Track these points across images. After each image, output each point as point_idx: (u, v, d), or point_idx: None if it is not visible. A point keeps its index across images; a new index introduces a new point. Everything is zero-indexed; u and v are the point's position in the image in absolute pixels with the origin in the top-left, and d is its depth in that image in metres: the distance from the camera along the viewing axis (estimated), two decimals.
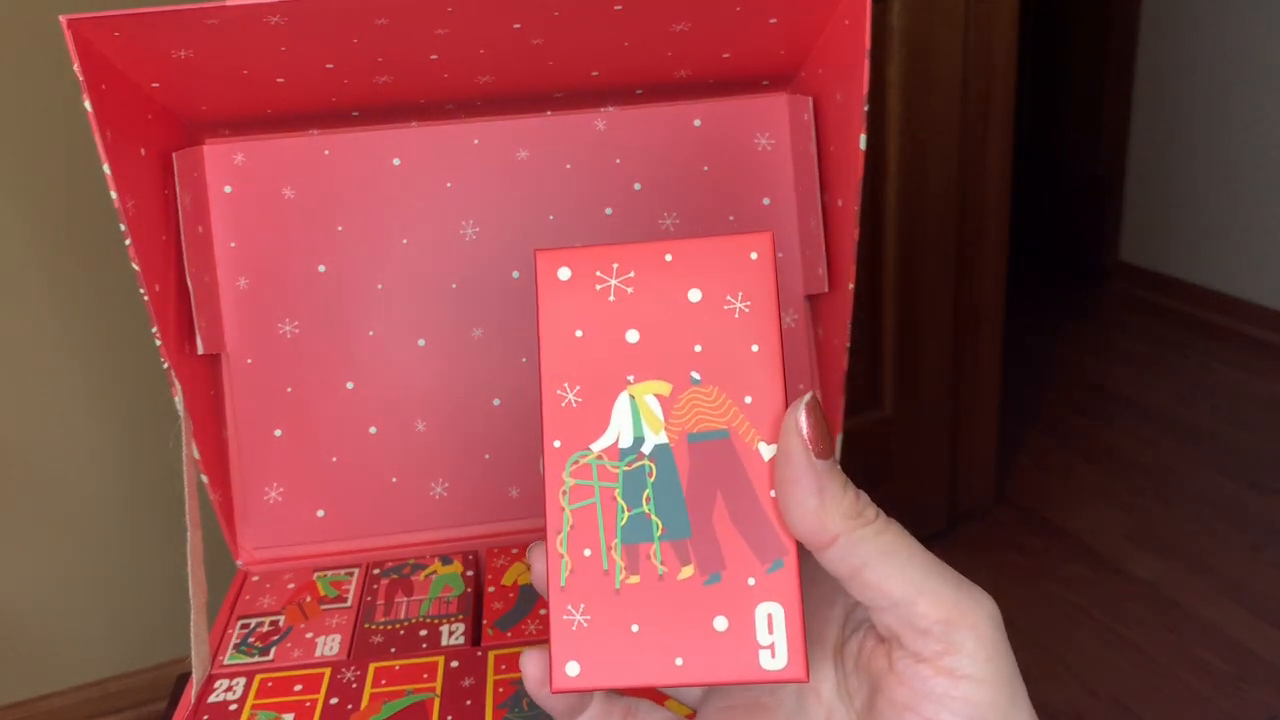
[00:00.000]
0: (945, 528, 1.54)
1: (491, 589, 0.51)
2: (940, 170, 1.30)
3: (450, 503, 0.56)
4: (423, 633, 0.49)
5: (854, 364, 0.52)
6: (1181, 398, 1.91)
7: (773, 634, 0.27)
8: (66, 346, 1.06)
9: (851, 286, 0.51)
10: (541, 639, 0.48)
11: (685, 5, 0.45)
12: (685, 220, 0.56)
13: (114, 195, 0.43)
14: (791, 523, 0.27)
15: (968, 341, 1.44)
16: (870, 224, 1.25)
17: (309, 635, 0.49)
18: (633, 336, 0.29)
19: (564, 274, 0.29)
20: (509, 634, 0.48)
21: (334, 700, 0.44)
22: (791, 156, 0.56)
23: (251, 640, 0.49)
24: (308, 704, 0.44)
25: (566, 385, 0.29)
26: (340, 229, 0.54)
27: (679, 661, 0.27)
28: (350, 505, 0.55)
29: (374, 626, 0.49)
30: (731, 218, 0.56)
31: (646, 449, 0.29)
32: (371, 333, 0.55)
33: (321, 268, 0.55)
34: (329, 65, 0.46)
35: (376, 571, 0.53)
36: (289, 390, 0.55)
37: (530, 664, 0.29)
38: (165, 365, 0.48)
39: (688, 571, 0.28)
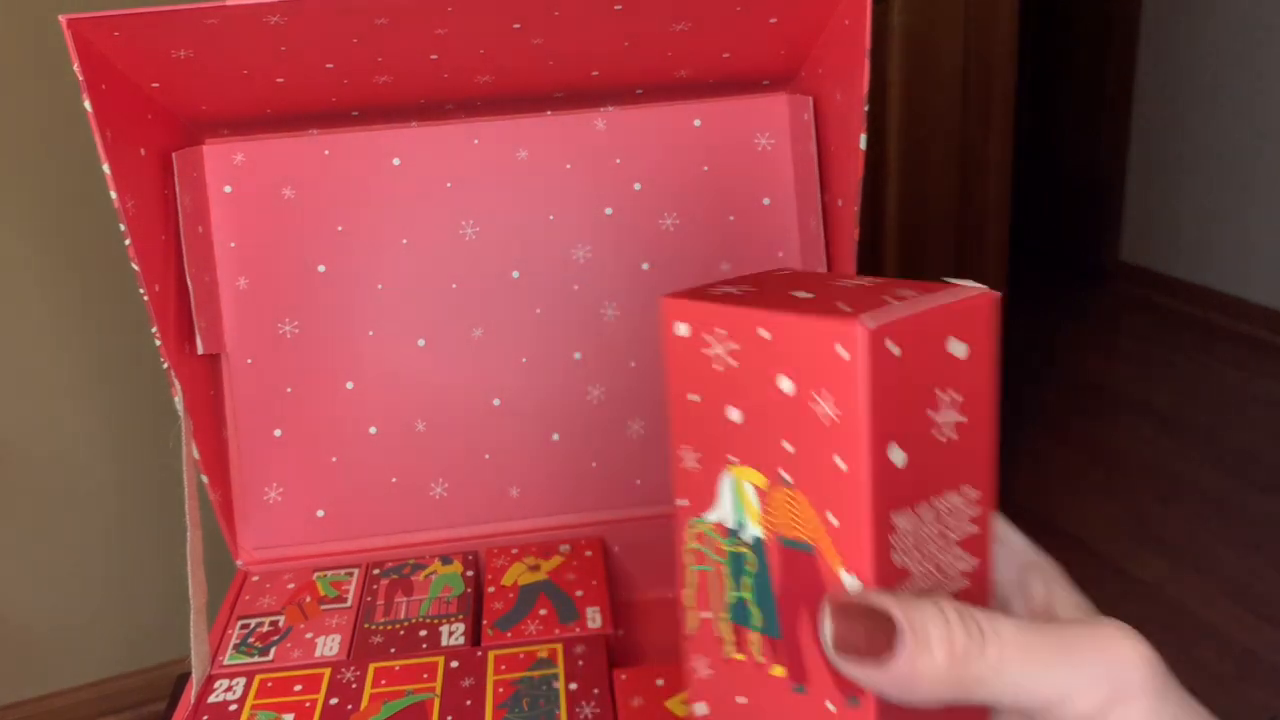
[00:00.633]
0: None
1: (491, 589, 0.51)
2: (940, 170, 1.30)
3: (450, 503, 0.56)
4: (422, 633, 0.48)
5: None
6: (1182, 397, 1.91)
7: None
8: (67, 347, 1.06)
9: None
10: (538, 639, 0.48)
11: (685, 5, 0.45)
12: (685, 220, 0.56)
13: (114, 195, 0.43)
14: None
15: None
16: (870, 224, 1.25)
17: (309, 635, 0.49)
18: (734, 415, 0.26)
19: (681, 330, 0.27)
20: (509, 634, 0.48)
21: (334, 700, 0.44)
22: (791, 156, 0.56)
23: (251, 640, 0.49)
24: (307, 704, 0.44)
25: (687, 448, 0.27)
26: (340, 229, 0.54)
27: None
28: (350, 505, 0.55)
29: (374, 627, 0.49)
30: (731, 218, 0.56)
31: (747, 537, 0.26)
32: (371, 333, 0.55)
33: (321, 268, 0.54)
34: (329, 65, 0.46)
35: (376, 572, 0.53)
36: (289, 390, 0.54)
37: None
38: (165, 365, 0.48)
39: (779, 671, 0.26)
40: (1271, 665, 1.24)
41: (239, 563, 0.54)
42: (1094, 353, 2.14)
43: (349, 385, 0.55)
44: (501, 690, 0.44)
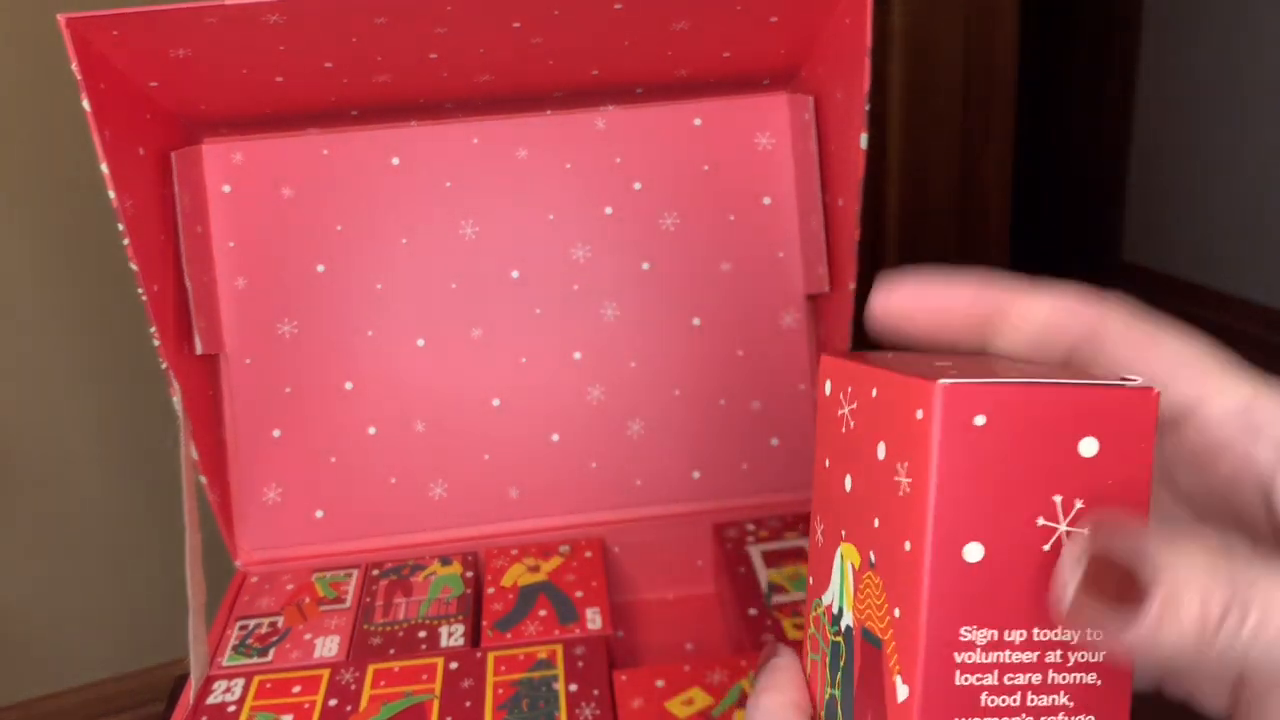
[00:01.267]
0: None
1: (491, 590, 0.51)
2: (941, 169, 1.30)
3: (449, 503, 0.56)
4: (422, 634, 0.48)
5: None
6: None
7: None
8: (65, 347, 1.06)
9: (852, 286, 0.51)
10: (537, 640, 0.47)
11: (685, 4, 0.45)
12: (685, 220, 0.56)
13: (112, 195, 0.43)
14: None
15: None
16: (871, 224, 1.25)
17: (308, 636, 0.49)
18: (847, 483, 0.23)
19: (827, 389, 0.25)
20: (508, 635, 0.48)
21: (333, 702, 0.44)
22: (792, 156, 0.56)
23: (250, 641, 0.49)
24: (306, 705, 0.44)
25: (818, 519, 0.25)
26: (339, 228, 0.54)
27: None
28: (349, 506, 0.55)
29: (373, 628, 0.49)
30: (731, 217, 0.56)
31: (843, 626, 0.24)
32: (370, 333, 0.55)
33: (320, 267, 0.54)
34: (328, 64, 0.46)
35: (375, 572, 0.53)
36: (288, 390, 0.54)
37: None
38: (164, 365, 0.48)
39: None
40: None
41: (238, 563, 0.54)
42: None
43: (348, 385, 0.55)
44: (501, 691, 0.44)
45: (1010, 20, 1.28)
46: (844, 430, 0.24)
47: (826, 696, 0.25)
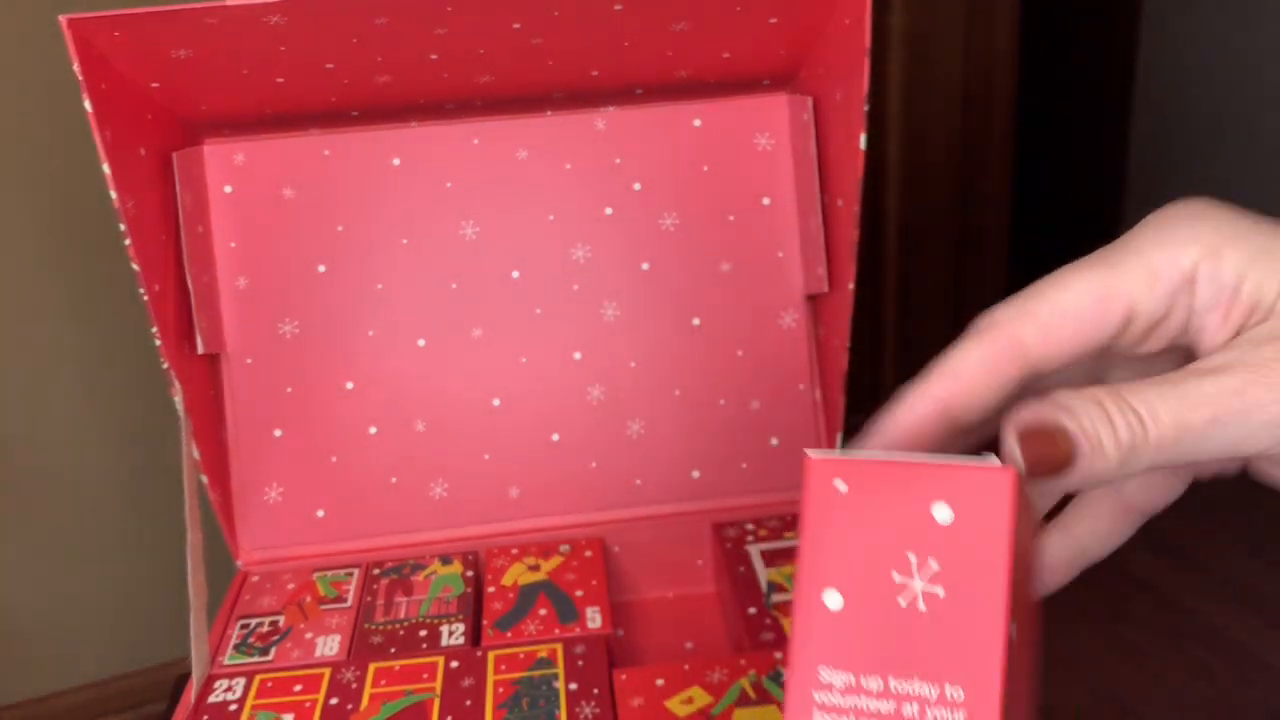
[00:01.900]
0: None
1: (491, 589, 0.51)
2: (940, 170, 1.30)
3: (450, 503, 0.56)
4: (422, 633, 0.48)
5: (854, 364, 0.52)
6: None
7: None
8: (66, 346, 1.06)
9: (852, 286, 0.51)
10: (538, 639, 0.48)
11: (685, 5, 0.45)
12: (685, 220, 0.56)
13: (114, 195, 0.43)
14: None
15: None
16: (870, 224, 1.25)
17: (309, 635, 0.49)
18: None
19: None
20: (509, 634, 0.48)
21: (334, 700, 0.44)
22: (791, 156, 0.56)
23: (251, 640, 0.49)
24: (307, 704, 0.44)
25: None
26: (340, 229, 0.54)
27: None
28: (350, 505, 0.55)
29: (373, 627, 0.49)
30: (731, 218, 0.56)
31: None
32: (371, 333, 0.55)
33: (321, 268, 0.54)
34: (329, 65, 0.46)
35: (376, 572, 0.53)
36: (289, 390, 0.54)
37: None
38: (165, 365, 0.48)
39: None
40: (1271, 665, 1.24)
41: (238, 563, 0.54)
42: None
43: (349, 385, 0.55)
44: (501, 690, 0.44)
45: (1010, 20, 1.28)
46: None
47: None
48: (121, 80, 0.44)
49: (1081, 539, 0.31)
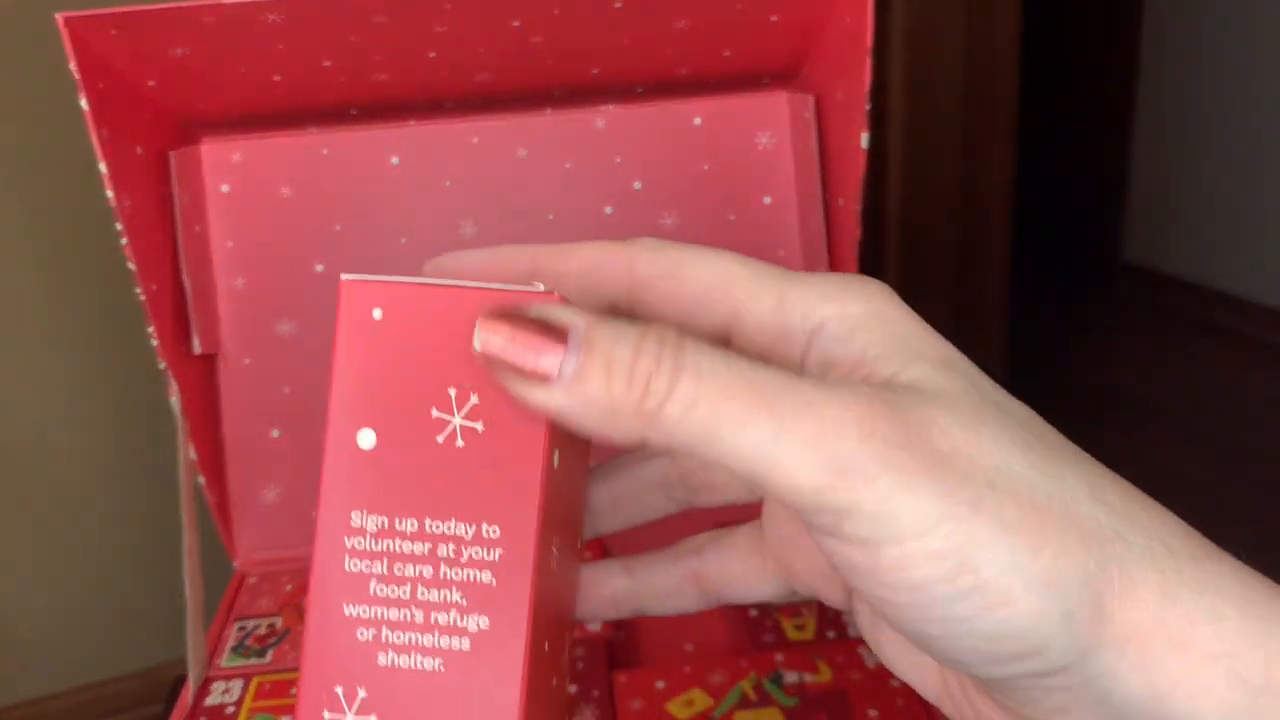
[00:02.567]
0: None
1: None
2: (942, 170, 1.30)
3: None
4: None
5: None
6: (1186, 398, 1.90)
7: None
8: (63, 346, 1.06)
9: None
10: None
11: (685, 3, 0.45)
12: (685, 220, 0.56)
13: (110, 194, 0.43)
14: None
15: (970, 341, 1.44)
16: (872, 223, 1.24)
17: None
18: None
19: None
20: None
21: None
22: (793, 155, 0.56)
23: (248, 642, 0.48)
24: None
25: None
26: (338, 228, 0.54)
27: None
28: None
29: None
30: (732, 217, 0.56)
31: None
32: None
33: (319, 267, 0.54)
34: (326, 63, 0.46)
35: None
36: (286, 391, 0.54)
37: None
38: (162, 365, 0.48)
39: None
40: None
41: (236, 564, 0.54)
42: (1097, 353, 2.14)
43: None
44: None
45: (1012, 19, 1.28)
46: None
47: None
48: (118, 79, 0.44)
49: (640, 586, 0.27)
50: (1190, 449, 1.72)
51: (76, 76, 0.41)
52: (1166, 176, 2.28)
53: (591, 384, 0.19)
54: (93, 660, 1.17)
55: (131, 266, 0.45)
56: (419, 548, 0.20)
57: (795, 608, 0.49)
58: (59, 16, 0.39)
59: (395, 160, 0.54)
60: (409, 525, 0.20)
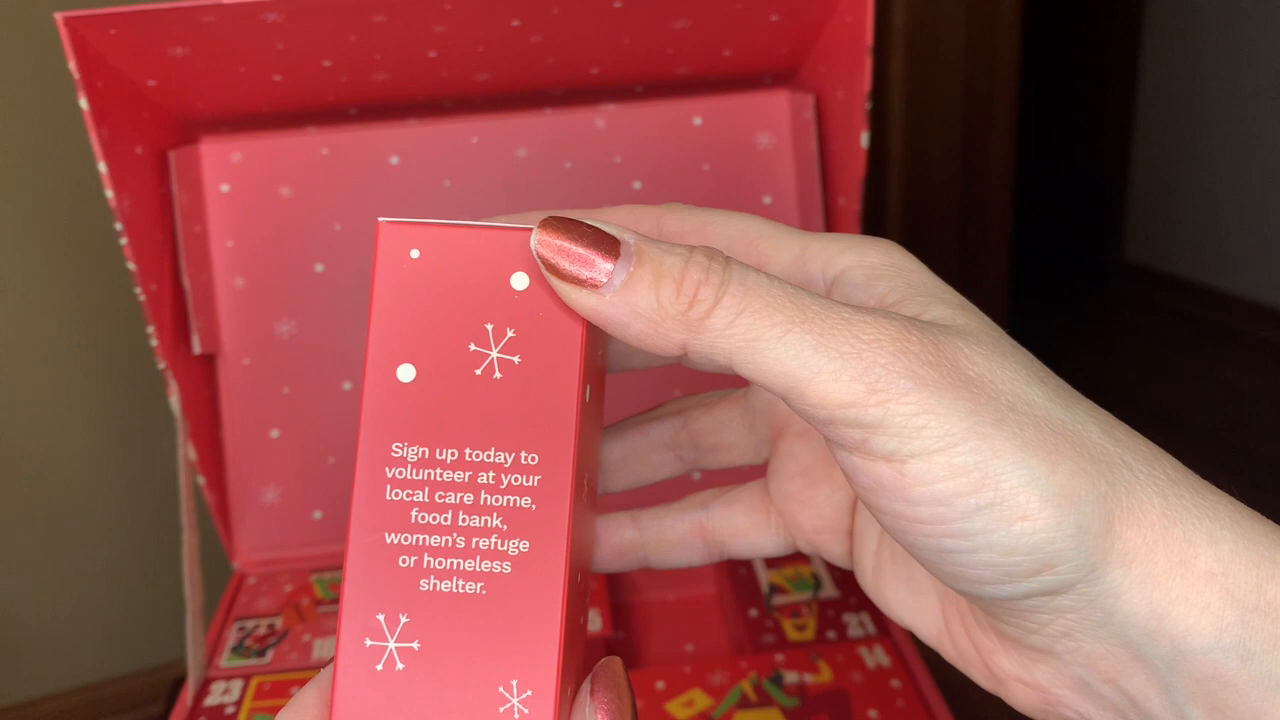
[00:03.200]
0: None
1: None
2: (943, 169, 1.30)
3: None
4: None
5: None
6: (1187, 398, 1.90)
7: None
8: (62, 346, 1.06)
9: None
10: None
11: (685, 2, 0.45)
12: None
13: (110, 194, 0.43)
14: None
15: None
16: (872, 223, 1.24)
17: (306, 638, 0.48)
18: None
19: None
20: None
21: None
22: (793, 155, 0.56)
23: (248, 643, 0.48)
24: None
25: None
26: (338, 228, 0.54)
27: None
28: (348, 506, 0.55)
29: None
30: None
31: None
32: None
33: (319, 267, 0.54)
34: (326, 63, 0.46)
35: None
36: (286, 391, 0.54)
37: None
38: (161, 365, 0.47)
39: None
40: None
41: (235, 564, 0.54)
42: (1098, 353, 2.14)
43: (346, 386, 0.55)
44: None
45: (1012, 18, 1.28)
46: None
47: None
48: (118, 78, 0.44)
49: (646, 538, 0.28)
50: (1190, 449, 1.72)
51: (76, 76, 0.41)
52: (1166, 176, 2.28)
53: (640, 292, 0.20)
54: (92, 660, 1.17)
55: (131, 266, 0.45)
56: (460, 476, 0.21)
57: (796, 607, 0.49)
58: (59, 16, 0.39)
59: (395, 160, 0.54)
60: (449, 455, 0.21)
